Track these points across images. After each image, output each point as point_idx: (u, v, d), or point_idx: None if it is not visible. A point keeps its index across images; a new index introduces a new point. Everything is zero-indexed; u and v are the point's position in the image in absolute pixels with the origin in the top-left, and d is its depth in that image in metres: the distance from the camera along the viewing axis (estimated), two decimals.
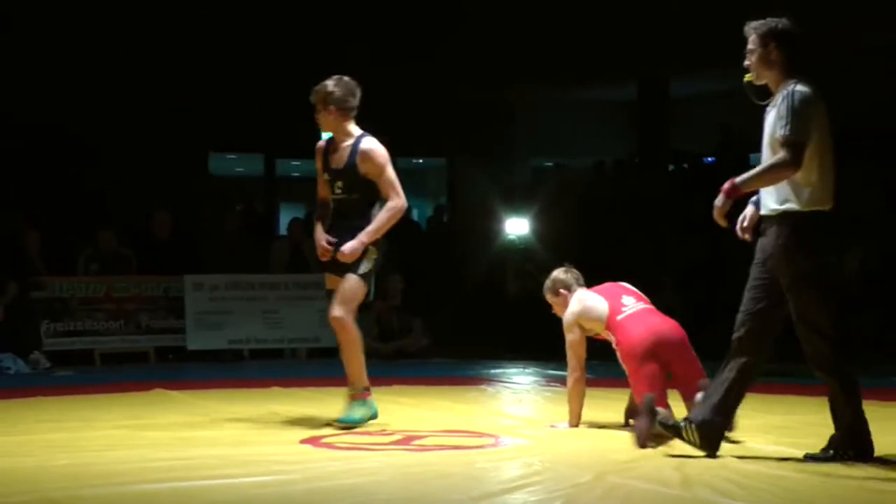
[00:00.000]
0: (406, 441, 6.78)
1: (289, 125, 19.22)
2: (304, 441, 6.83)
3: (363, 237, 7.37)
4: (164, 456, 6.28)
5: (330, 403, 8.90)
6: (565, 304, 7.39)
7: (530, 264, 13.98)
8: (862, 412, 6.01)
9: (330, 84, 7.52)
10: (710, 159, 18.64)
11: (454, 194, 20.74)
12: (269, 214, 19.88)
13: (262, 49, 17.79)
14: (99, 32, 16.59)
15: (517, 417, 8.07)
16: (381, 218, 7.41)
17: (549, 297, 7.53)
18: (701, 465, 5.84)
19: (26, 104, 16.40)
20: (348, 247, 7.36)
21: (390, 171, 7.50)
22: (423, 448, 6.58)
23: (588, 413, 7.29)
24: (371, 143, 7.50)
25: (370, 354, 13.80)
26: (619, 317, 7.16)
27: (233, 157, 21.16)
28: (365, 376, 7.59)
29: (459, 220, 19.28)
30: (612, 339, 7.18)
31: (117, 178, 16.52)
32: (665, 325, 7.14)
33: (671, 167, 19.38)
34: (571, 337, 7.25)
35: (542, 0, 18.17)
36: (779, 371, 11.13)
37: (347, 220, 7.47)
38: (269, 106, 17.57)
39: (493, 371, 11.86)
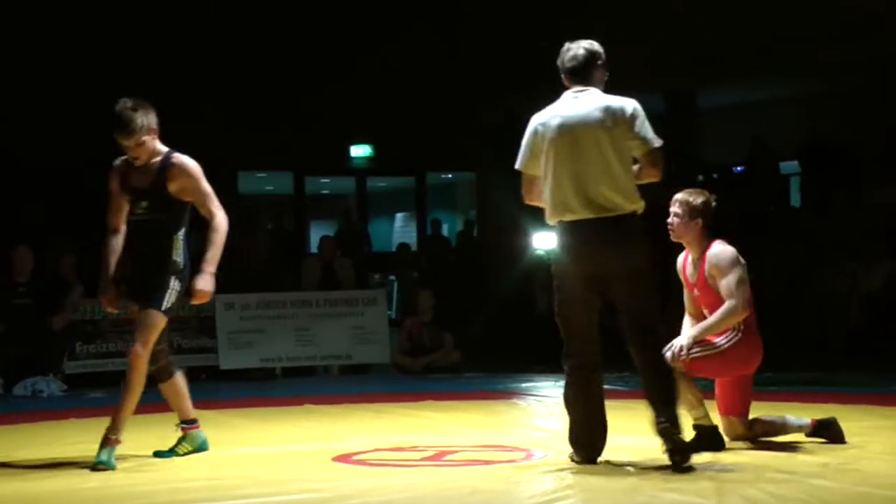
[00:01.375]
0: (438, 457, 6.76)
1: (317, 143, 19.34)
2: (336, 458, 6.81)
3: (210, 268, 6.81)
4: (194, 476, 6.29)
5: (363, 420, 8.90)
6: (688, 234, 6.89)
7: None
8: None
9: (137, 116, 6.78)
10: (739, 168, 18.60)
11: (484, 209, 20.72)
12: (298, 232, 19.93)
13: (290, 67, 17.85)
14: (132, 52, 16.66)
15: (549, 431, 8.01)
16: (217, 241, 6.87)
17: (681, 211, 6.94)
18: (736, 476, 5.80)
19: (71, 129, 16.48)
20: (203, 284, 6.79)
21: (206, 185, 6.90)
22: (455, 463, 6.56)
23: (619, 424, 7.22)
24: (182, 158, 6.91)
25: (402, 370, 14.01)
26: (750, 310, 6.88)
27: (262, 175, 21.22)
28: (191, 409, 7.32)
29: (489, 235, 19.26)
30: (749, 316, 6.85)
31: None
32: None
33: (700, 178, 19.32)
34: (740, 270, 6.76)
35: (570, 14, 18.18)
36: (818, 380, 11.13)
37: (146, 246, 6.92)
38: (298, 124, 17.63)
39: (523, 385, 11.82)
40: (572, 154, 6.24)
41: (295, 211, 20.31)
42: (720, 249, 6.86)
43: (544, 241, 15.55)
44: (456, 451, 6.94)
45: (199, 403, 10.05)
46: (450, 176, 22.96)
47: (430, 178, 21.56)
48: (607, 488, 5.58)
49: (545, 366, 13.32)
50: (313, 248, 17.42)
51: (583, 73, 6.45)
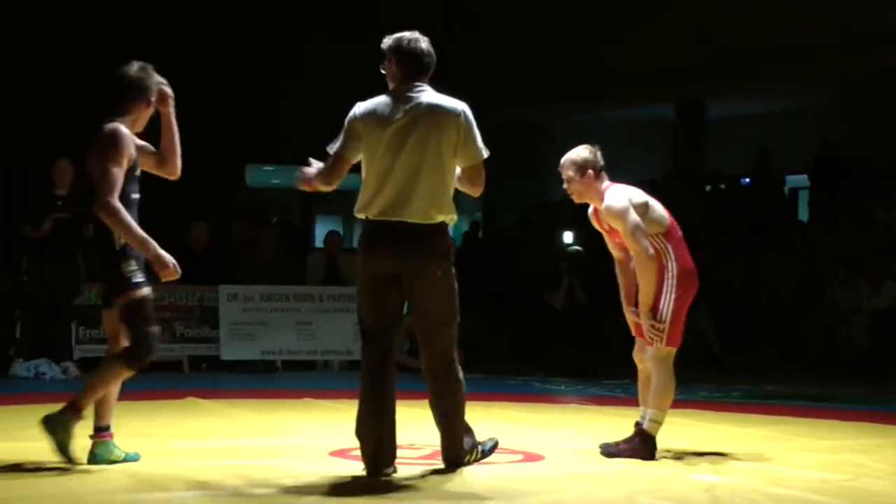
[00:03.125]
0: (435, 455, 6.72)
1: (326, 137, 19.31)
2: (333, 453, 6.79)
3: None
4: (193, 465, 6.27)
5: None
6: (589, 190, 6.81)
7: (571, 277, 13.89)
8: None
9: (134, 70, 6.50)
10: (746, 180, 18.56)
11: (489, 210, 20.70)
12: (305, 227, 19.90)
13: (297, 61, 17.84)
14: (141, 42, 16.66)
15: (547, 435, 7.99)
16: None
17: (571, 173, 6.81)
18: (730, 487, 5.77)
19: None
20: None
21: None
22: None
23: (616, 433, 7.19)
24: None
25: (401, 368, 13.92)
26: (678, 233, 6.88)
27: (269, 168, 21.21)
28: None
29: (495, 236, 19.24)
30: (665, 250, 6.79)
31: (154, 190, 16.55)
32: None
33: (708, 188, 19.30)
34: (632, 216, 6.66)
35: (580, 22, 18.17)
36: (821, 396, 11.10)
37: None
38: (306, 117, 17.61)
39: (522, 387, 11.79)
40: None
41: (301, 205, 20.29)
42: (610, 201, 6.77)
43: (553, 243, 15.57)
44: None
45: (199, 392, 10.10)
46: None
47: None
48: (602, 495, 5.55)
49: (546, 369, 13.32)
50: (319, 243, 17.38)
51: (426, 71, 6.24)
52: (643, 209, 6.78)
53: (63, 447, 6.07)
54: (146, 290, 6.30)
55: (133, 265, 6.31)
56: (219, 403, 9.50)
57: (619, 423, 7.47)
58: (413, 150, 6.01)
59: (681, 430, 7.83)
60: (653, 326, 6.69)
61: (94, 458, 6.19)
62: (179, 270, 6.30)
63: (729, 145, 19.30)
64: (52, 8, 16.77)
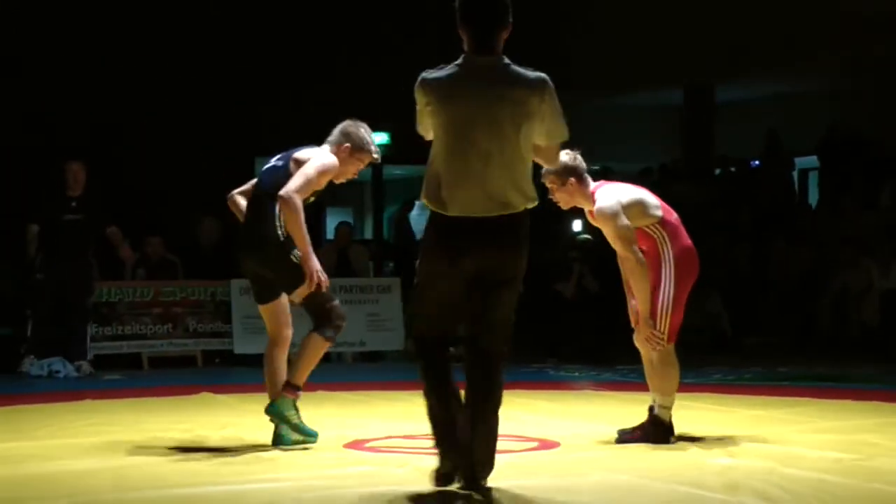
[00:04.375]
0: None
1: (332, 127, 19.31)
2: (347, 445, 6.82)
3: None
4: (209, 459, 6.29)
5: (375, 407, 8.91)
6: (574, 196, 6.81)
7: (581, 266, 13.87)
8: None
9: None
10: (755, 163, 18.53)
11: None
12: (315, 218, 19.90)
13: (307, 52, 17.84)
14: (149, 36, 16.68)
15: (558, 422, 8.00)
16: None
17: (552, 183, 6.76)
18: (745, 470, 5.78)
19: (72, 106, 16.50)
20: None
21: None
22: None
23: (632, 419, 7.20)
24: None
25: (403, 357, 13.96)
26: (673, 217, 6.84)
27: None
28: None
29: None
30: (661, 237, 6.76)
31: (164, 185, 16.59)
32: None
33: (718, 171, 19.27)
34: (621, 223, 6.61)
35: (588, 6, 18.13)
36: (833, 376, 11.10)
37: None
38: (315, 109, 17.60)
39: (532, 375, 11.79)
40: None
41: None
42: (599, 203, 6.78)
43: (558, 230, 15.55)
44: None
45: (212, 387, 10.13)
46: None
47: None
48: (615, 481, 5.57)
49: (555, 356, 13.32)
50: (329, 235, 17.39)
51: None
52: (637, 208, 6.77)
53: (298, 429, 6.71)
54: None
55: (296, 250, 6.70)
56: (233, 398, 9.53)
57: (634, 409, 7.48)
58: (491, 128, 5.25)
59: (695, 414, 7.84)
60: (653, 335, 6.71)
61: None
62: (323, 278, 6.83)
63: (737, 128, 19.28)
64: (61, 7, 16.77)
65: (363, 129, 6.97)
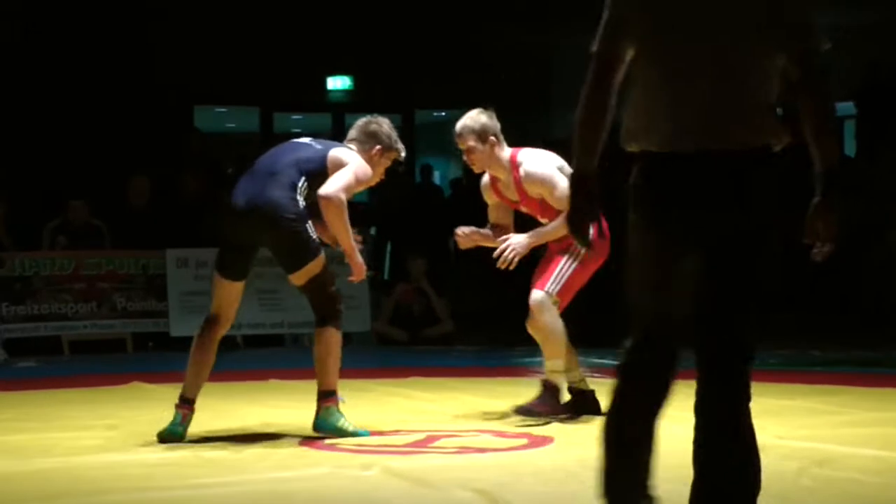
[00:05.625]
0: (425, 443, 6.78)
1: (288, 73, 19.29)
2: (304, 443, 6.83)
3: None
4: (142, 460, 6.31)
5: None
6: (491, 158, 7.35)
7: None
8: None
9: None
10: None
11: None
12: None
13: None
14: None
15: (553, 414, 8.01)
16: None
17: (472, 143, 7.35)
18: (772, 471, 5.78)
19: None
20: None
21: None
22: (445, 451, 6.59)
23: None
24: None
25: (385, 341, 14.00)
26: None
27: (222, 110, 21.13)
28: None
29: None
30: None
31: (87, 139, 16.52)
32: None
33: None
34: (564, 180, 6.88)
35: None
36: (872, 360, 11.13)
37: None
38: (265, 51, 17.56)
39: (525, 360, 11.81)
40: None
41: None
42: (532, 166, 7.26)
43: None
44: (446, 437, 6.96)
45: (144, 376, 10.12)
46: (443, 114, 22.88)
47: (420, 116, 21.49)
48: None
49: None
50: None
51: None
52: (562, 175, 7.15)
53: (344, 432, 6.96)
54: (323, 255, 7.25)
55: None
56: (169, 388, 9.48)
57: None
58: (727, 38, 4.21)
59: None
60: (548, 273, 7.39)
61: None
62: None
63: None
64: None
65: (386, 125, 7.37)
